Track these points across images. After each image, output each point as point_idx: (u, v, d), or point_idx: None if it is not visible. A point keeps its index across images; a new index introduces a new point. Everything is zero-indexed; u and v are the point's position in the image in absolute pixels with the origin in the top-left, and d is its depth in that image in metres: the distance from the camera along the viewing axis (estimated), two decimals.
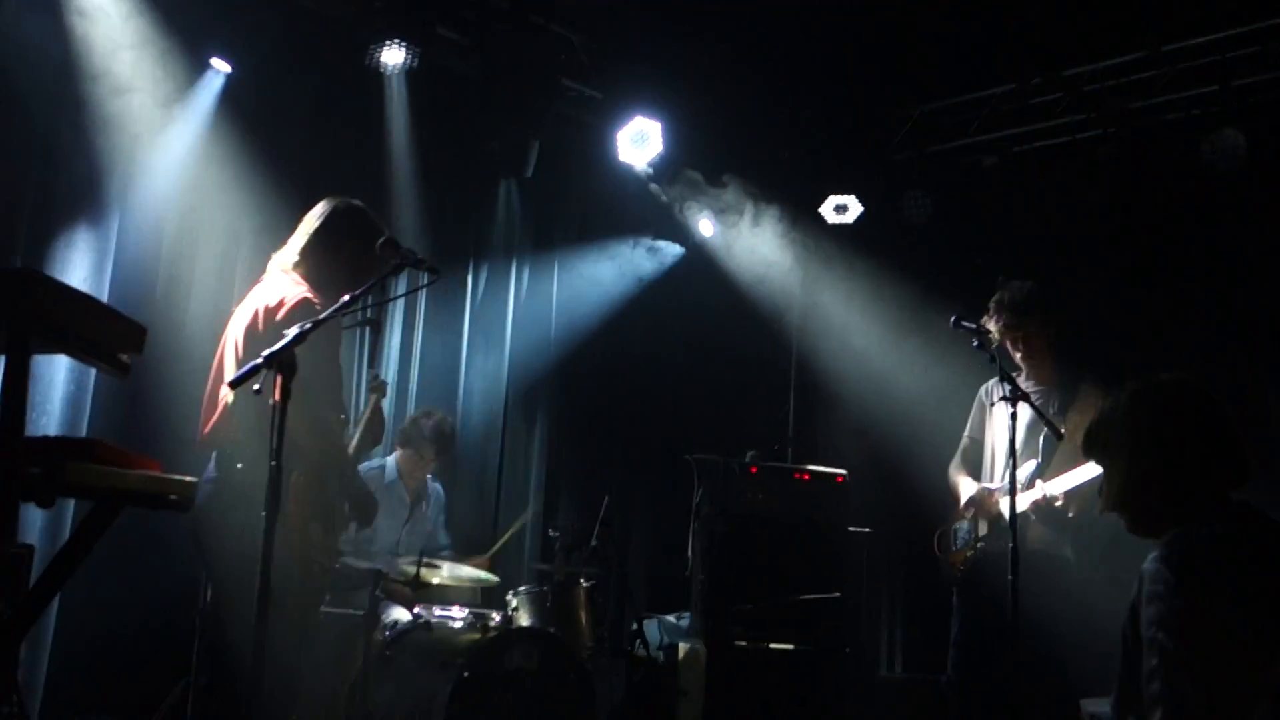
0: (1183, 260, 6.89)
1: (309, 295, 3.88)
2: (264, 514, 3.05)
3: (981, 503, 5.19)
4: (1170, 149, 6.89)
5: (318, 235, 4.06)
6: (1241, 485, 2.61)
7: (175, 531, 5.51)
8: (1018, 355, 5.23)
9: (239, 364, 3.78)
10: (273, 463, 3.04)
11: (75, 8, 5.40)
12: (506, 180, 7.48)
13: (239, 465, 3.71)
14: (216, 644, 3.83)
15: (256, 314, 3.86)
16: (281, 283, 3.97)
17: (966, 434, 5.51)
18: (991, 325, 5.14)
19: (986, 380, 5.42)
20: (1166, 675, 2.33)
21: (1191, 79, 6.84)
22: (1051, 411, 4.96)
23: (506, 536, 6.40)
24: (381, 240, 3.67)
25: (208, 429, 3.86)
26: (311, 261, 4.04)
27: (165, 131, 5.81)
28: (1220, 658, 2.31)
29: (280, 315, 3.79)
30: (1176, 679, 2.31)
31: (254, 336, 3.80)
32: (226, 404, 3.80)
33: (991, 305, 5.21)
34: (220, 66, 6.02)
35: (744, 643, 6.44)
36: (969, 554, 5.21)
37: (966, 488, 5.30)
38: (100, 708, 5.48)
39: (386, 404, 6.94)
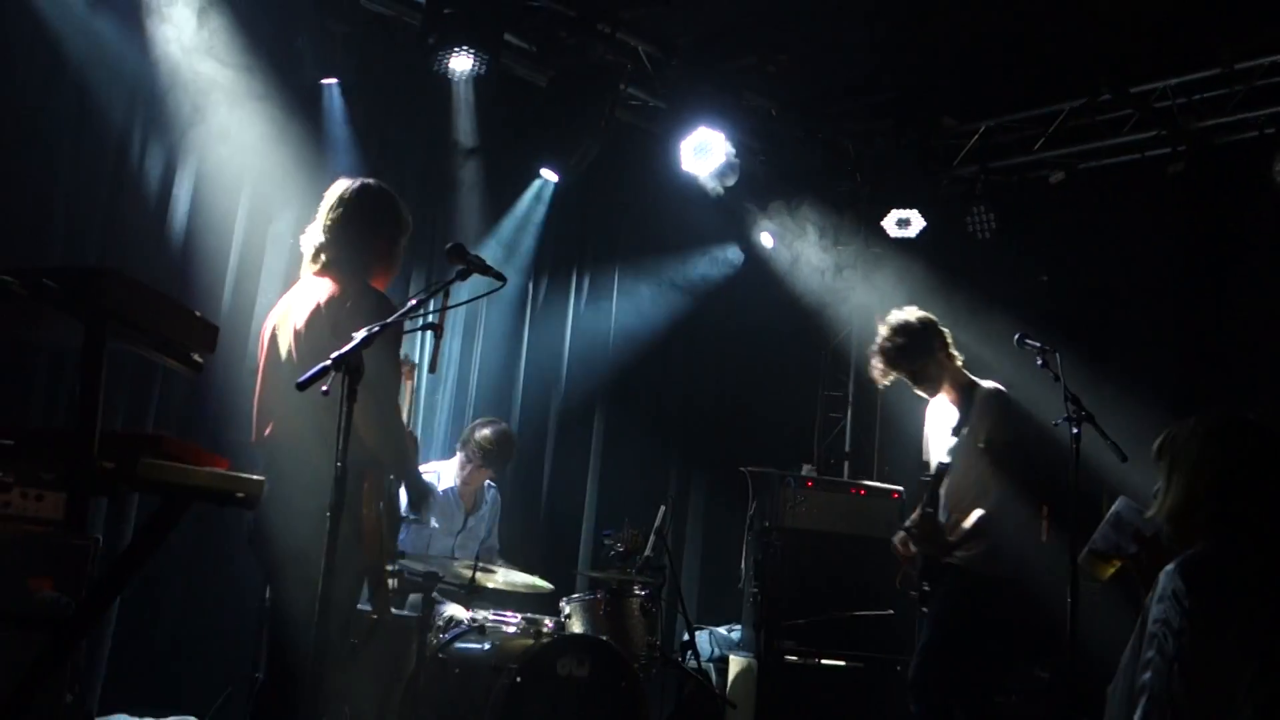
0: (1252, 282, 6.76)
1: (364, 288, 3.82)
2: (328, 514, 3.07)
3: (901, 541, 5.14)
4: (1242, 168, 6.78)
5: (349, 218, 3.94)
6: None
7: (237, 527, 5.61)
8: (919, 391, 5.20)
9: (299, 357, 3.73)
10: (338, 463, 3.06)
11: (155, 14, 5.49)
12: (567, 187, 7.49)
13: (304, 465, 3.67)
14: (275, 641, 3.85)
15: (318, 306, 3.78)
16: (330, 278, 3.88)
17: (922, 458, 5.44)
18: (880, 378, 5.20)
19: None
20: (1159, 669, 2.57)
21: (1265, 97, 6.73)
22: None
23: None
24: (450, 246, 3.67)
25: (267, 431, 3.83)
26: (346, 248, 3.93)
27: (236, 135, 5.90)
28: (1213, 664, 2.55)
29: (349, 304, 3.73)
30: (1168, 675, 2.55)
31: (318, 327, 3.73)
32: (288, 405, 3.78)
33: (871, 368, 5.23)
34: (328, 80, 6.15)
35: (795, 657, 6.42)
36: (908, 570, 5.19)
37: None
38: (159, 701, 5.56)
39: (445, 408, 7.03)
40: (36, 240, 5.28)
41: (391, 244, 4.04)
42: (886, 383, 5.24)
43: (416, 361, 5.18)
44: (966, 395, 5.05)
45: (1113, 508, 3.39)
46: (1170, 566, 2.73)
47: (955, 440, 4.88)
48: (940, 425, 5.12)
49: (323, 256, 3.94)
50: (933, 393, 5.19)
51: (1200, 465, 2.84)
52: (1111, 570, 3.44)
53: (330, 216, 3.96)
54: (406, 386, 4.66)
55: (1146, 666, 2.61)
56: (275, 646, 3.79)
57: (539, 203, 7.41)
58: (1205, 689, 2.54)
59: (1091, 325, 7.29)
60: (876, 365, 5.20)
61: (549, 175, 7.15)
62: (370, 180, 4.10)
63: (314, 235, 3.99)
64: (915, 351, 5.09)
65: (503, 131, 6.97)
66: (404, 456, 4.07)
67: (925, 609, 5.07)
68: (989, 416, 4.91)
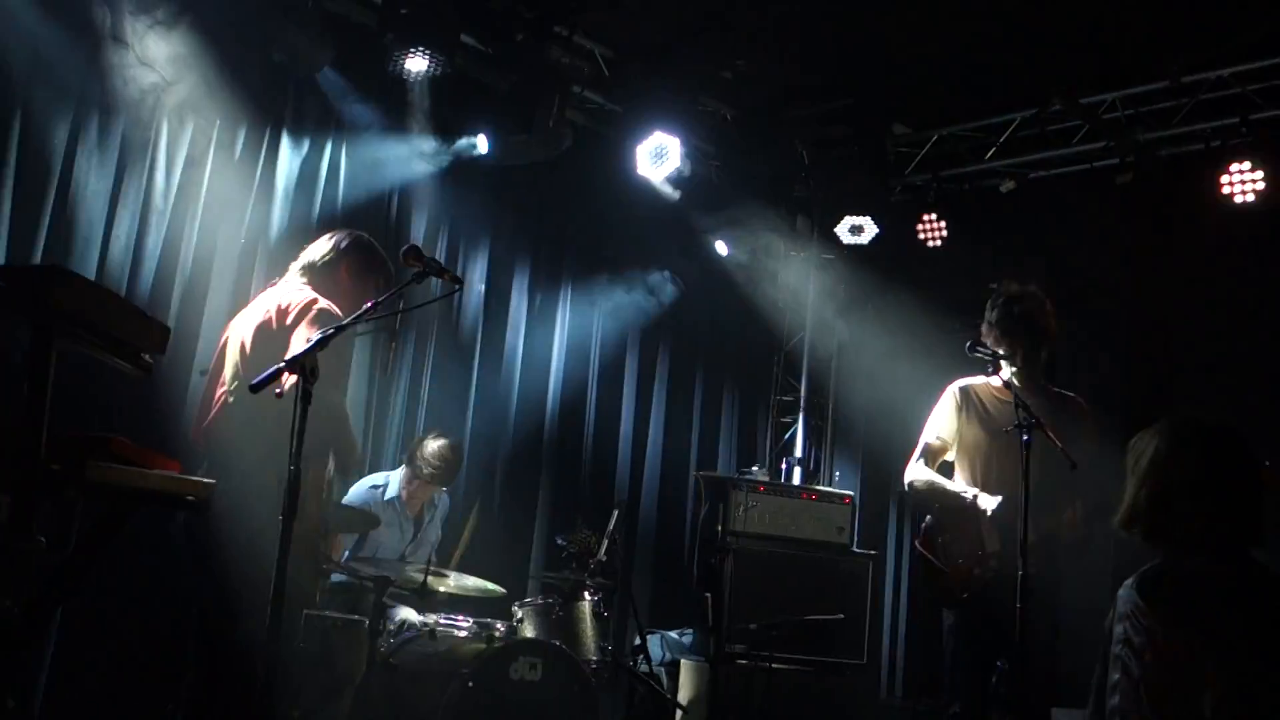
0: (1200, 292, 6.87)
1: (317, 297, 4.00)
2: (280, 517, 3.04)
3: (1002, 516, 4.69)
4: (1189, 180, 6.89)
5: (339, 267, 4.27)
6: (1247, 539, 2.74)
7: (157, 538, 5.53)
8: (1010, 366, 4.88)
9: (245, 362, 3.85)
10: (291, 467, 3.02)
11: (108, 33, 5.46)
12: (521, 191, 7.45)
13: (239, 466, 3.69)
14: (216, 645, 3.80)
15: (269, 314, 3.94)
16: (292, 286, 4.11)
17: (934, 435, 5.03)
18: (987, 337, 4.91)
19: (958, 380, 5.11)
20: (1126, 692, 2.54)
21: (1212, 110, 6.84)
22: (1023, 436, 4.43)
23: (462, 545, 6.27)
24: (405, 248, 3.67)
25: (204, 425, 3.86)
26: (316, 272, 4.24)
27: (187, 140, 5.85)
28: (1178, 682, 2.51)
29: (291, 317, 3.89)
30: (1136, 696, 2.52)
31: (266, 336, 3.89)
32: (226, 404, 3.78)
33: (985, 324, 4.98)
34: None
35: (746, 661, 6.42)
36: (976, 571, 4.80)
37: (982, 497, 4.79)
38: (102, 709, 5.45)
39: (397, 415, 6.95)
40: None
41: (356, 289, 4.26)
42: (1003, 355, 4.83)
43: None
44: (1055, 399, 4.88)
45: None
46: (1128, 584, 2.70)
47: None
48: (1004, 419, 4.72)
49: (296, 272, 4.24)
50: (1023, 380, 4.84)
51: (1148, 473, 2.78)
52: None
53: (321, 261, 4.24)
54: None
55: (1114, 690, 2.58)
56: (214, 650, 3.74)
57: (442, 155, 7.02)
58: (1172, 708, 2.51)
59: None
60: (993, 332, 4.89)
61: (481, 144, 6.89)
62: (363, 234, 4.41)
63: (304, 255, 4.29)
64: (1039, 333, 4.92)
65: (456, 131, 6.92)
66: (350, 449, 4.11)
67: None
68: (1095, 428, 4.83)
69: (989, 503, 4.73)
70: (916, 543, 5.11)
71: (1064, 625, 4.77)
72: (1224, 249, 6.80)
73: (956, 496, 4.86)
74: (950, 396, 5.08)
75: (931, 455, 5.05)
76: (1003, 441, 4.74)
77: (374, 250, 4.40)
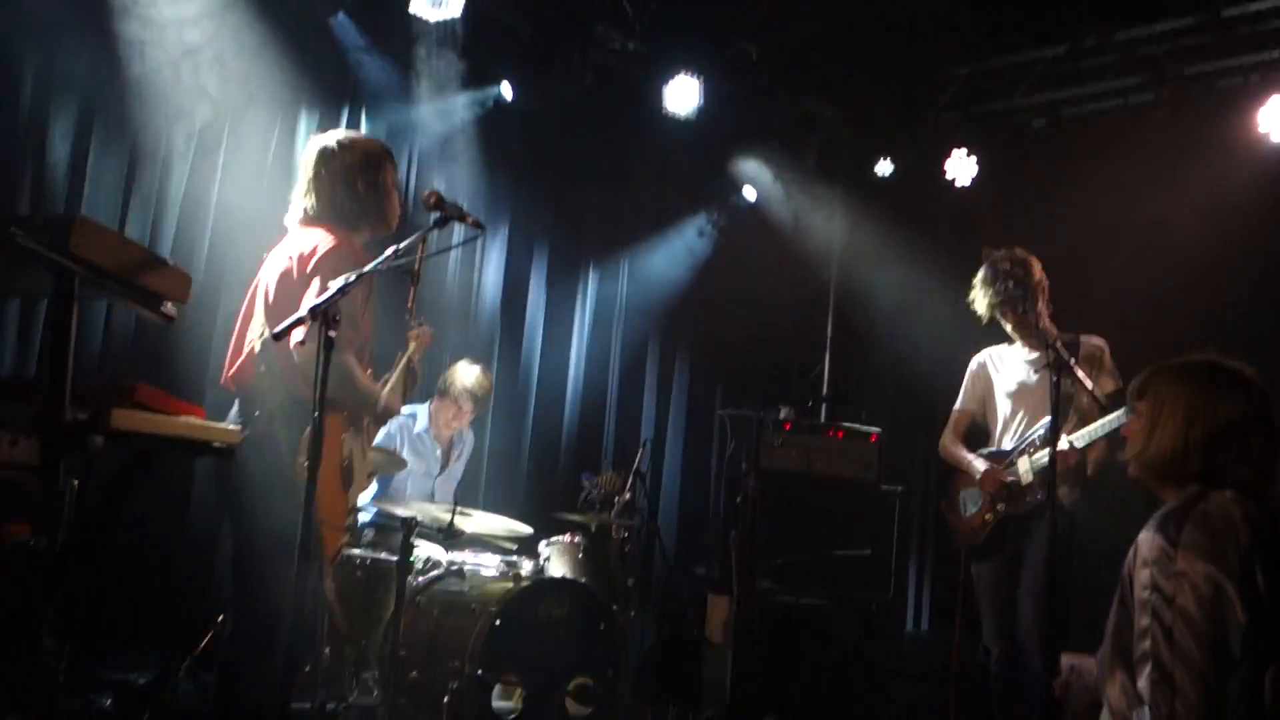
0: (1234, 232, 6.75)
1: (340, 242, 3.77)
2: (305, 462, 3.07)
3: (988, 479, 5.14)
4: (1227, 115, 6.75)
5: (333, 170, 3.90)
6: (1264, 482, 2.77)
7: (203, 478, 5.58)
8: (1008, 326, 5.19)
9: (269, 311, 3.74)
10: (315, 414, 3.05)
11: None
12: (543, 133, 7.39)
13: (257, 413, 3.67)
14: (239, 589, 3.85)
15: (291, 261, 3.77)
16: (312, 232, 3.85)
17: (959, 407, 5.45)
18: (980, 305, 5.14)
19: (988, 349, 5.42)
20: (1158, 636, 2.55)
21: (1251, 44, 6.69)
22: (1053, 377, 4.59)
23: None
24: (427, 193, 3.65)
25: (231, 372, 3.85)
26: (329, 201, 3.89)
27: (217, 89, 5.83)
28: (1204, 625, 2.53)
29: (313, 262, 3.69)
30: (1169, 641, 2.54)
31: (288, 284, 3.73)
32: (253, 350, 3.77)
33: (975, 283, 5.17)
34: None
35: (773, 597, 6.47)
36: (987, 518, 5.16)
37: (975, 463, 5.24)
38: (137, 645, 5.54)
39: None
40: (4, 191, 5.19)
41: (378, 193, 3.96)
42: (984, 312, 5.18)
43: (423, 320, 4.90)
44: (1068, 346, 5.00)
45: None
46: (1150, 527, 2.71)
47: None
48: (1015, 375, 5.21)
49: (308, 210, 3.89)
50: (1024, 333, 5.14)
51: (1192, 416, 2.78)
52: None
53: (314, 169, 3.91)
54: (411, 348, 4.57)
55: (1145, 634, 2.59)
56: (238, 594, 3.78)
57: (474, 105, 7.00)
58: (1203, 652, 2.52)
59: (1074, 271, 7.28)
60: (986, 295, 5.11)
61: (505, 90, 6.89)
62: (354, 132, 4.08)
63: (300, 189, 3.94)
64: (1030, 292, 5.06)
65: (479, 73, 6.86)
66: (362, 404, 3.99)
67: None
68: (1113, 367, 5.03)
69: (977, 470, 5.19)
70: (941, 504, 5.54)
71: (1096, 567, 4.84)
72: (1262, 187, 6.68)
73: (961, 465, 5.34)
74: (970, 370, 5.46)
75: (955, 426, 5.48)
76: (1021, 394, 5.17)
77: (386, 159, 4.02)
